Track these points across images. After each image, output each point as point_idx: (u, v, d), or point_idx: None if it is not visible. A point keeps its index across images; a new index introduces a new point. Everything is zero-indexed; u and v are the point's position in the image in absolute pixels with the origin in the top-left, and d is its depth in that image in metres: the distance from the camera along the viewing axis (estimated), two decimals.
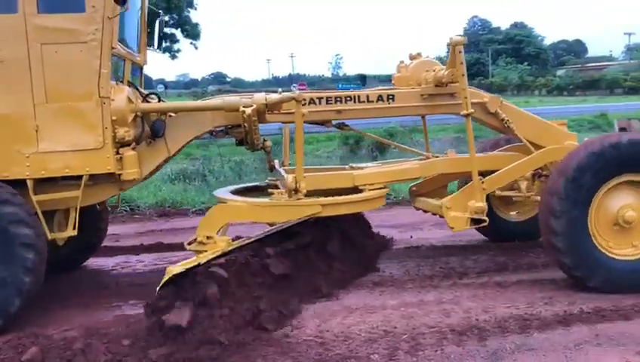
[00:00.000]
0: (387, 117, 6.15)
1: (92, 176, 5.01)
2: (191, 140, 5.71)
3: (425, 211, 6.56)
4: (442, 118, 7.21)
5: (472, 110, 5.47)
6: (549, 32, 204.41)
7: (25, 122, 4.78)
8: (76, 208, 5.05)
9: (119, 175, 5.07)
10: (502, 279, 5.69)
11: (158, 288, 4.42)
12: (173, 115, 5.57)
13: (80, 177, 4.95)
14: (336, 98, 5.71)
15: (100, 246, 6.88)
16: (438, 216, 6.21)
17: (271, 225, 5.53)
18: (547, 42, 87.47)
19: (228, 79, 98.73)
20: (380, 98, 5.76)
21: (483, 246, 6.96)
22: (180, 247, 6.18)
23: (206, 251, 4.92)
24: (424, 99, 5.85)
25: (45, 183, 4.96)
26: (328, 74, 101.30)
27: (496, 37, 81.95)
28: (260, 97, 5.41)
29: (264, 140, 5.84)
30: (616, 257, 5.20)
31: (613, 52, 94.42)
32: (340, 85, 36.43)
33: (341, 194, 5.50)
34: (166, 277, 4.40)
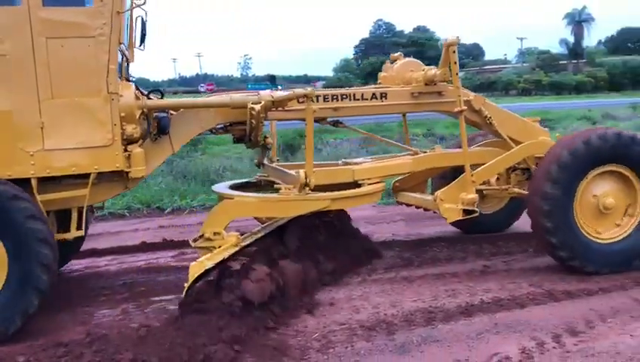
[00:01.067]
0: (380, 114, 6.38)
1: (98, 175, 4.84)
2: (193, 137, 5.75)
3: (408, 205, 6.85)
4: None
5: (465, 107, 5.79)
6: (449, 36, 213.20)
7: (29, 119, 4.56)
8: (83, 207, 4.90)
9: (127, 173, 4.93)
10: (408, 274, 5.89)
11: (187, 285, 4.44)
12: (174, 112, 5.50)
13: (85, 176, 4.79)
14: (332, 96, 5.84)
15: (80, 248, 6.46)
16: (423, 209, 6.67)
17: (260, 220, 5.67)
18: None
19: (132, 78, 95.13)
20: (373, 96, 5.96)
21: (389, 243, 7.16)
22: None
23: (214, 247, 4.91)
24: (414, 97, 6.09)
25: (47, 183, 4.75)
26: (237, 74, 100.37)
27: (401, 40, 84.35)
28: (267, 94, 5.41)
29: (265, 137, 5.92)
30: (601, 241, 5.67)
31: (507, 55, 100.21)
32: (250, 85, 36.20)
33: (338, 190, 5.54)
34: (196, 274, 4.43)
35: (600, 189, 5.69)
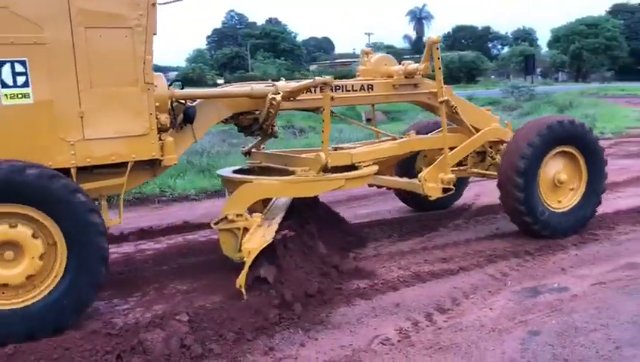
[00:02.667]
0: (366, 104, 6.96)
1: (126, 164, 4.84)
2: (212, 126, 5.92)
3: (379, 187, 7.62)
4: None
5: (447, 97, 6.57)
6: (301, 29, 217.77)
7: (69, 108, 4.51)
8: (114, 196, 5.04)
9: (160, 161, 5.00)
10: None
11: (247, 267, 4.73)
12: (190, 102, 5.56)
13: (118, 165, 4.80)
14: (320, 88, 5.99)
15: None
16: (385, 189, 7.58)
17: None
18: (299, 39, 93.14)
19: None
20: (362, 87, 6.45)
21: None
22: None
23: (237, 229, 5.21)
24: (395, 88, 6.65)
25: (81, 172, 4.68)
26: None
27: (254, 32, 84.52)
28: (284, 85, 5.73)
29: (273, 126, 6.20)
30: (556, 210, 6.64)
31: (356, 50, 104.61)
32: None
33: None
34: (252, 256, 4.76)
35: (555, 167, 6.65)
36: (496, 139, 7.13)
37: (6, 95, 4.31)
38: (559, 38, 78.61)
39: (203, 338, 4.16)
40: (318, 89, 5.83)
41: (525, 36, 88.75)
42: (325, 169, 5.64)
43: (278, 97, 5.50)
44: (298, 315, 4.56)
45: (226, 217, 5.27)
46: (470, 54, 65.98)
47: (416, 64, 6.57)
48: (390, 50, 72.57)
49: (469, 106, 7.23)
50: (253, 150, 6.71)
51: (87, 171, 4.74)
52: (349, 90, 6.38)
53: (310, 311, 4.66)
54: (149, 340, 4.00)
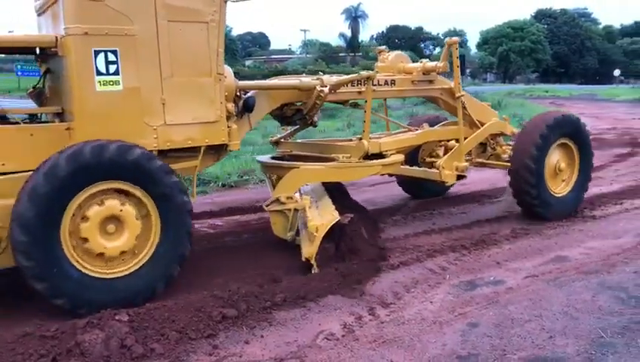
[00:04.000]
0: (388, 97, 7.49)
1: (199, 148, 5.27)
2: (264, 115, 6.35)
3: (390, 175, 8.13)
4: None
5: (464, 92, 7.26)
6: (236, 24, 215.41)
7: (153, 95, 4.92)
8: (193, 177, 5.49)
9: (225, 146, 5.47)
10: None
11: (317, 241, 5.24)
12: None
13: (189, 149, 5.22)
14: (357, 81, 6.53)
15: None
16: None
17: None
18: (234, 33, 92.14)
19: None
20: (386, 82, 6.91)
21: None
22: None
23: (288, 210, 5.71)
24: (414, 84, 7.26)
25: (158, 155, 4.97)
26: None
27: None
28: (329, 78, 6.34)
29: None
30: (556, 195, 7.40)
31: (292, 46, 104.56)
32: (19, 66, 32.23)
33: None
34: (322, 231, 5.25)
35: (556, 156, 7.41)
36: (498, 131, 7.89)
37: (99, 82, 4.69)
38: (488, 40, 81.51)
39: (144, 337, 4.04)
40: (358, 82, 6.51)
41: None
42: (366, 156, 6.27)
43: (326, 90, 6.09)
44: (242, 313, 4.51)
45: (277, 199, 5.75)
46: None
47: (435, 62, 7.25)
48: (326, 47, 73.12)
49: (476, 103, 7.89)
50: (281, 140, 7.26)
51: (163, 154, 5.05)
52: (375, 85, 6.76)
53: (255, 308, 4.62)
54: (87, 341, 3.84)
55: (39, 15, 5.57)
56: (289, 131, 7.33)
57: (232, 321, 4.40)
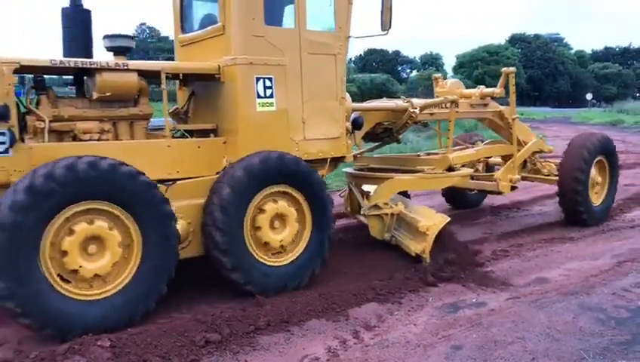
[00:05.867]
0: (452, 119, 7.76)
1: (325, 159, 6.23)
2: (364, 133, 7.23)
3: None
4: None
5: (517, 115, 8.39)
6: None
7: (296, 115, 5.92)
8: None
9: (343, 158, 6.40)
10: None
11: (431, 239, 6.23)
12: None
13: (319, 160, 6.14)
14: (432, 105, 7.56)
15: None
16: None
17: None
18: None
19: None
20: (451, 105, 7.55)
21: None
22: None
23: (386, 214, 6.63)
24: (472, 107, 8.34)
25: None
26: None
27: (166, 46, 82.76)
28: (417, 101, 7.35)
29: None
30: (594, 204, 8.52)
31: None
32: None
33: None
34: (434, 231, 6.24)
35: (594, 171, 8.48)
36: (538, 149, 8.86)
37: (259, 103, 5.65)
38: (463, 64, 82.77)
39: None
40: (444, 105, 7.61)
41: (432, 61, 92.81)
42: (450, 168, 7.15)
43: (417, 111, 7.09)
44: (225, 337, 4.46)
45: (375, 205, 6.62)
46: (381, 76, 67.94)
47: (492, 88, 8.32)
48: None
49: (519, 125, 8.77)
50: (358, 155, 8.00)
51: None
52: (442, 108, 7.74)
53: (238, 332, 4.57)
54: None
55: (183, 46, 6.49)
56: (372, 146, 8.40)
57: (216, 346, 4.37)
